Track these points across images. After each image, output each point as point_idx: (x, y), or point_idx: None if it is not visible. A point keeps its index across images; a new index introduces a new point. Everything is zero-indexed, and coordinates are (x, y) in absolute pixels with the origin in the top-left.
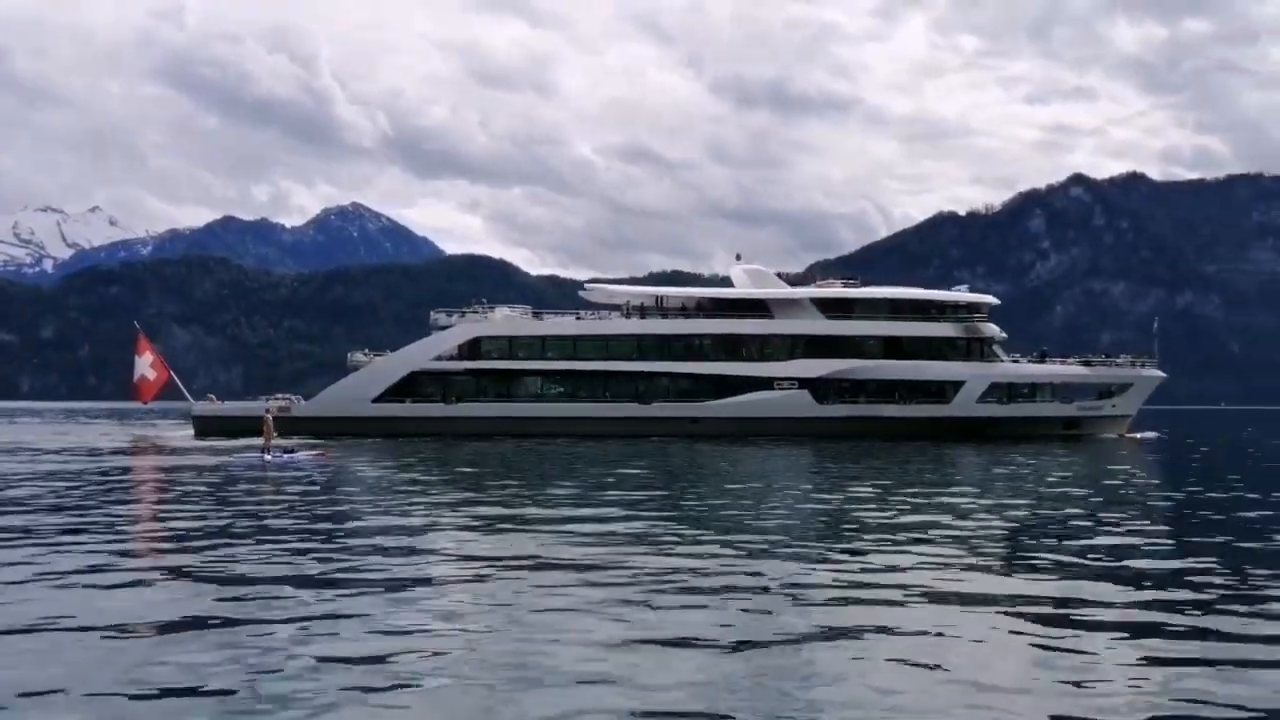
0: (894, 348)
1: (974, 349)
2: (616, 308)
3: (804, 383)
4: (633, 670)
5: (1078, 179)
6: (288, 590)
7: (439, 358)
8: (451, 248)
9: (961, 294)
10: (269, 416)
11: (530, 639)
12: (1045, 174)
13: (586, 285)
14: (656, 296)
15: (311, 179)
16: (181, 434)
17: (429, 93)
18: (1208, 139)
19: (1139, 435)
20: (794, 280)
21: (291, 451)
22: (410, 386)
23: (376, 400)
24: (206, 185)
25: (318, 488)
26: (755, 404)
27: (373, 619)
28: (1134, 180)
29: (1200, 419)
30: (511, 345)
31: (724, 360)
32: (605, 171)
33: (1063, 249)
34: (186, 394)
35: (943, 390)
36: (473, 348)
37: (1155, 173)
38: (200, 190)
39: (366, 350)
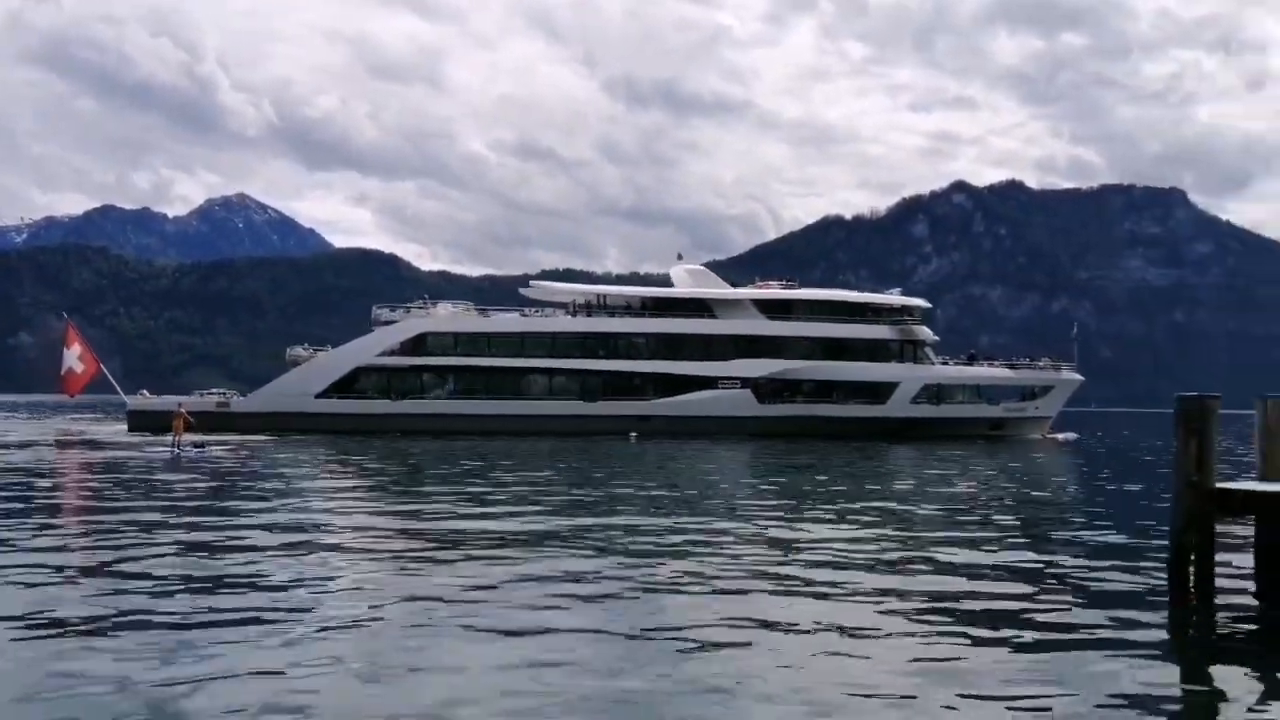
0: (832, 349)
1: (907, 351)
2: (556, 305)
3: (746, 382)
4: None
5: (959, 186)
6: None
7: (384, 353)
8: (340, 241)
9: (895, 297)
10: (182, 411)
11: (404, 645)
12: (928, 180)
13: (531, 284)
14: (599, 295)
15: (195, 168)
16: (113, 429)
17: (318, 83)
18: (1082, 150)
19: (1059, 436)
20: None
21: (202, 447)
22: (354, 382)
23: (320, 396)
24: (85, 172)
25: (221, 484)
26: (699, 403)
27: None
28: (1013, 188)
29: (1081, 421)
30: (457, 341)
31: (668, 359)
32: (497, 167)
33: (944, 254)
34: (117, 388)
35: (878, 391)
36: (418, 343)
37: (1033, 181)
38: (79, 177)
39: (306, 345)
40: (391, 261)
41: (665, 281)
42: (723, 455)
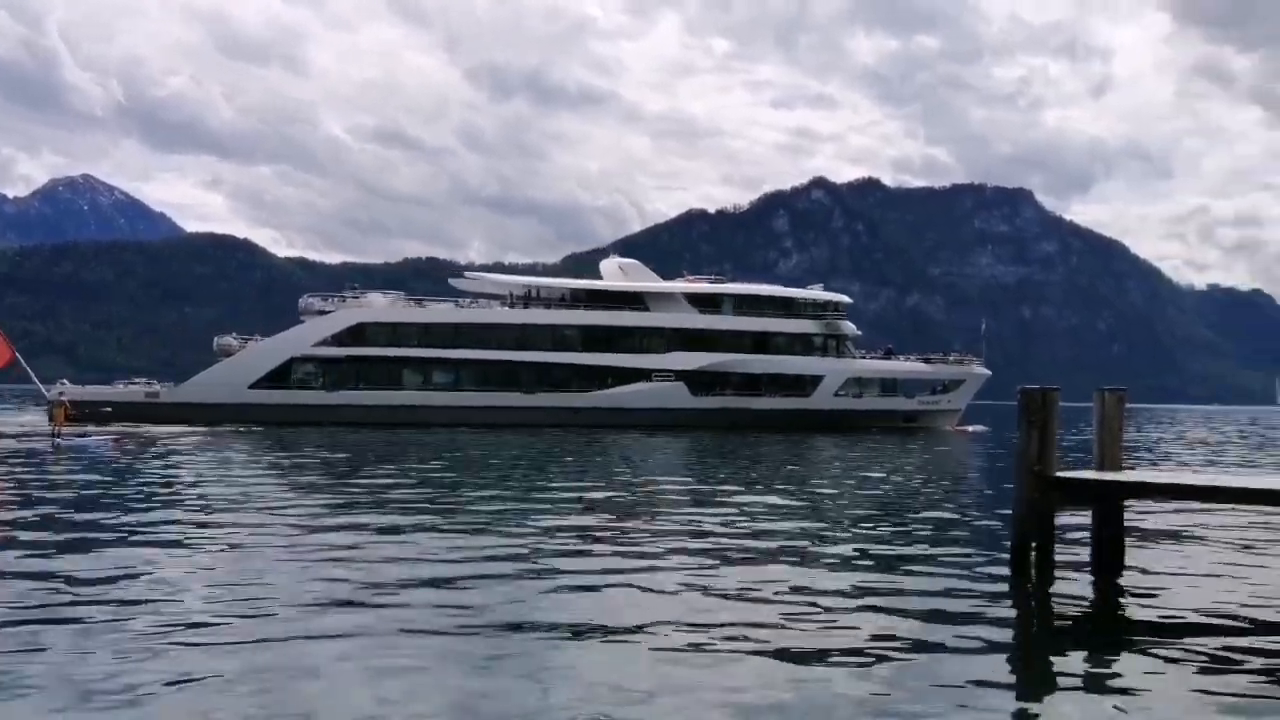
0: (762, 343)
1: (830, 345)
2: (492, 296)
3: (680, 375)
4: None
5: (819, 182)
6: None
7: (320, 343)
8: (192, 226)
9: (820, 293)
10: (65, 400)
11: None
12: (789, 176)
13: (466, 274)
14: (532, 287)
15: (37, 147)
16: (31, 419)
17: (170, 62)
18: (936, 150)
19: (968, 428)
20: (550, 270)
21: (84, 436)
22: (288, 373)
23: (254, 386)
24: None
25: (96, 477)
26: (634, 395)
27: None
28: (870, 186)
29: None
30: (395, 332)
31: (604, 352)
32: (357, 153)
33: (804, 249)
34: (33, 377)
35: (803, 384)
36: (355, 334)
37: (889, 179)
38: None
39: (235, 334)
40: (247, 247)
41: (530, 271)
42: (649, 447)
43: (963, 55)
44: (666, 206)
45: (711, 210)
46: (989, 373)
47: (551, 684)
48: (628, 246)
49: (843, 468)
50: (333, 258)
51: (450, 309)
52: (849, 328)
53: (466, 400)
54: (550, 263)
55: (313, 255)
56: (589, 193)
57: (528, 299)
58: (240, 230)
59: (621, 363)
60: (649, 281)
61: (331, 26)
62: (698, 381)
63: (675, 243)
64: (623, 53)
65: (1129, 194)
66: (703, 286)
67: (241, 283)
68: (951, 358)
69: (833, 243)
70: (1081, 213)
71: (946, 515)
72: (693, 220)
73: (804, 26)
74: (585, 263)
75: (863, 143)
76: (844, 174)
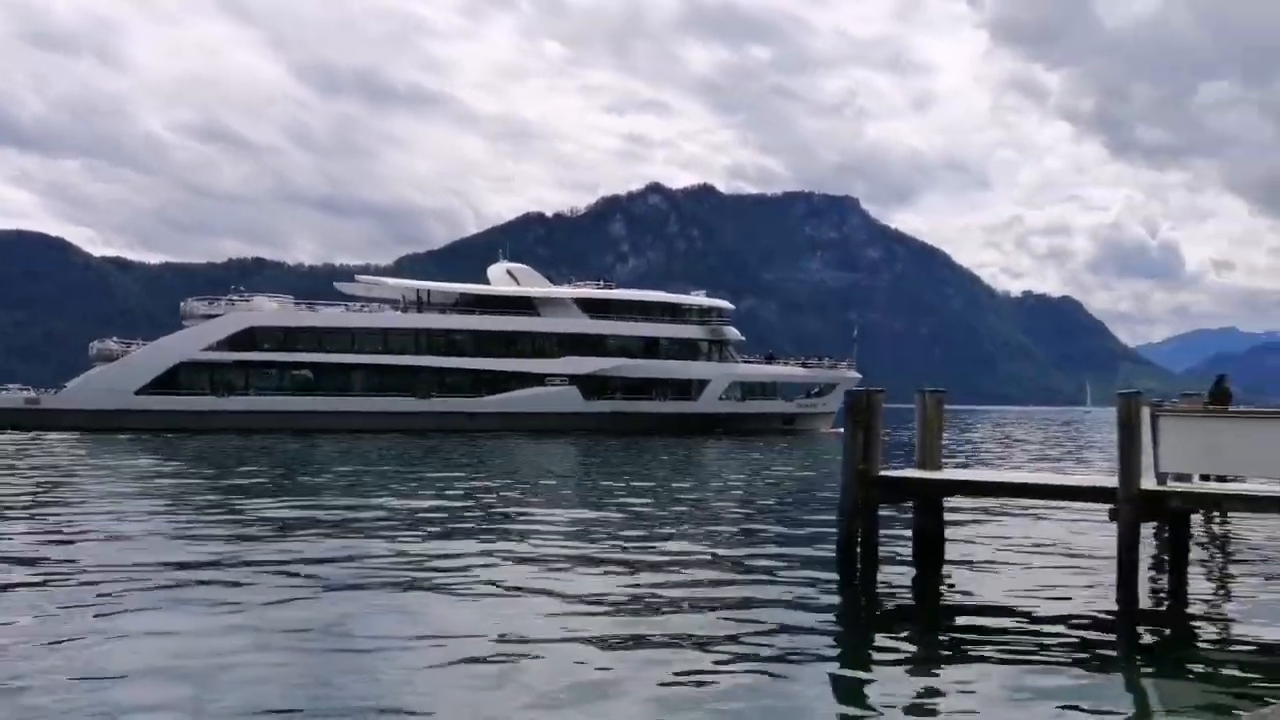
0: (650, 348)
1: (714, 350)
2: (383, 301)
3: (573, 379)
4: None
5: (655, 188)
6: None
7: (209, 348)
8: None
9: (704, 299)
10: None
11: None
12: (624, 181)
13: (358, 278)
14: (424, 291)
15: None
16: None
17: None
18: (767, 158)
19: (840, 429)
20: (383, 271)
21: None
22: (176, 378)
23: (140, 392)
24: None
25: None
26: (528, 400)
27: None
28: (705, 192)
29: None
30: (287, 337)
31: (499, 356)
32: (178, 150)
33: (641, 253)
34: None
35: (690, 388)
36: (245, 339)
37: (722, 186)
38: None
39: (115, 338)
40: (59, 245)
41: (364, 273)
42: (521, 450)
43: (792, 66)
44: (502, 209)
45: (548, 214)
46: (860, 376)
47: (356, 685)
48: (463, 249)
49: (709, 469)
50: (152, 257)
51: (343, 314)
52: (733, 333)
53: (360, 406)
54: (383, 264)
55: (130, 254)
56: (422, 194)
57: (420, 304)
58: (51, 228)
59: (515, 367)
60: (539, 287)
61: (150, 18)
62: (589, 386)
63: (512, 245)
64: (456, 53)
65: (949, 204)
66: (592, 292)
67: (54, 283)
68: (826, 362)
69: (669, 247)
70: (904, 221)
71: (791, 514)
72: (529, 223)
73: (638, 33)
74: (420, 264)
75: (696, 150)
76: (679, 180)
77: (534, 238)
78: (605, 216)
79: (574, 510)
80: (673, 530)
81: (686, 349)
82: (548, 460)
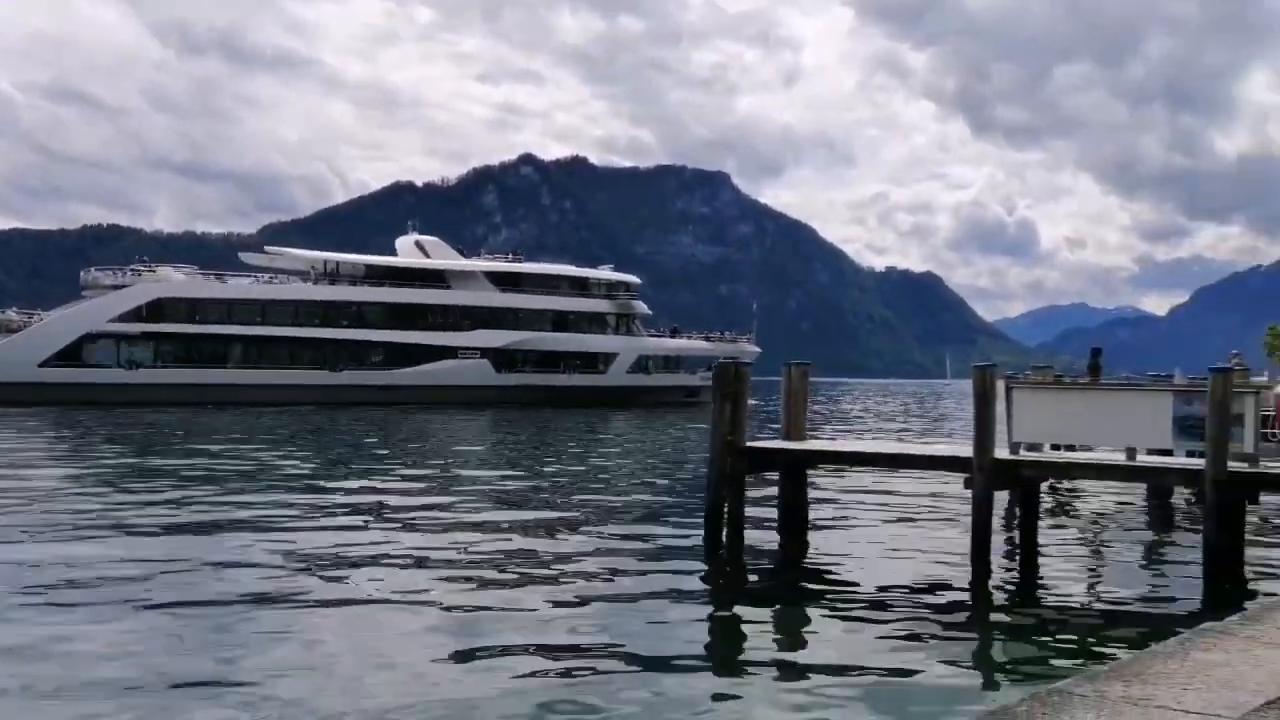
0: (560, 321)
1: (622, 324)
2: (291, 272)
3: (485, 352)
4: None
5: (528, 159)
6: None
7: (116, 319)
8: None
9: (612, 274)
10: None
11: None
12: (497, 151)
13: (267, 249)
14: (332, 262)
15: None
16: None
17: None
18: (639, 130)
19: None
20: (247, 240)
21: None
22: (82, 350)
23: (44, 365)
24: None
25: None
26: (441, 372)
27: None
28: (577, 164)
29: None
30: (196, 308)
31: (410, 329)
32: (28, 111)
33: (513, 224)
34: None
35: (598, 361)
36: (153, 310)
37: (595, 158)
38: None
39: (16, 308)
40: None
41: (225, 241)
42: (418, 423)
43: (664, 39)
44: (371, 178)
45: (419, 183)
46: (759, 350)
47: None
48: (332, 217)
49: (606, 441)
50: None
51: (255, 285)
52: (640, 307)
53: (271, 379)
54: (247, 233)
55: None
56: (288, 161)
57: (333, 275)
58: None
59: (428, 340)
60: (450, 259)
61: None
62: (500, 359)
63: (382, 215)
64: (322, 16)
65: (817, 179)
66: (502, 265)
67: None
68: (728, 336)
69: (541, 219)
70: (774, 196)
71: (672, 484)
72: (400, 193)
73: (510, 2)
74: (284, 233)
75: (569, 121)
76: (552, 151)
77: (404, 207)
78: (477, 187)
79: (458, 482)
80: (553, 501)
81: (595, 323)
82: (451, 432)
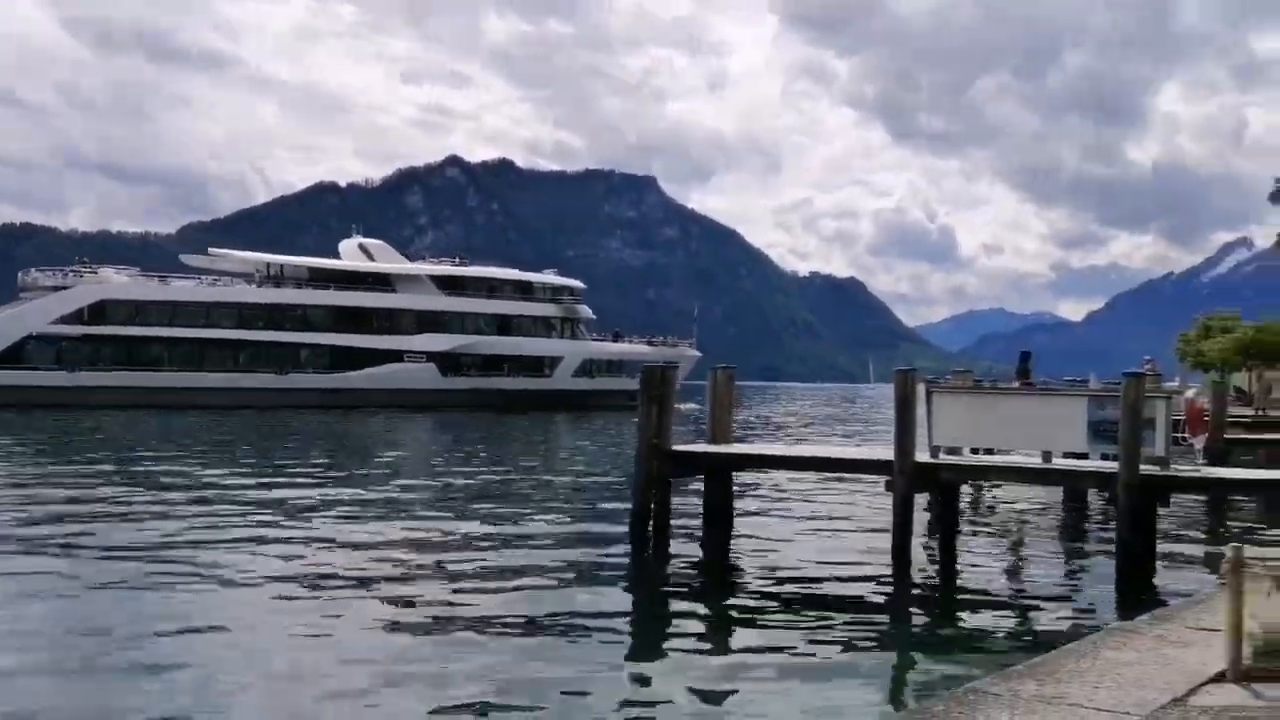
0: (505, 325)
1: (566, 328)
2: (234, 274)
3: (431, 356)
4: None
5: (454, 160)
6: None
7: (56, 321)
8: None
9: (557, 278)
10: None
11: None
12: (423, 153)
13: (210, 251)
14: (276, 265)
15: None
16: None
17: None
18: (567, 134)
19: (681, 406)
20: (166, 240)
21: None
22: (22, 352)
23: None
24: None
25: None
26: (386, 376)
27: None
28: (504, 166)
29: None
30: (140, 310)
31: (356, 333)
32: None
33: (439, 226)
34: None
35: (543, 365)
36: (95, 312)
37: (522, 161)
38: None
39: None
40: None
41: (143, 241)
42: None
43: (593, 43)
44: (295, 179)
45: (343, 184)
46: (700, 354)
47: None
48: (252, 218)
49: (545, 445)
50: None
51: (200, 287)
52: (585, 311)
53: (216, 382)
54: (166, 233)
55: None
56: (211, 160)
57: (277, 278)
58: None
59: (373, 344)
60: (394, 263)
61: None
62: (446, 363)
63: (304, 216)
64: (248, 15)
65: (743, 184)
66: (448, 269)
67: None
68: (669, 340)
69: (468, 222)
70: (700, 201)
71: (604, 488)
72: (323, 193)
73: (438, 4)
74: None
75: (496, 123)
76: (478, 153)
77: (328, 208)
78: (402, 188)
79: (395, 487)
80: (485, 505)
81: (540, 326)
82: (393, 436)
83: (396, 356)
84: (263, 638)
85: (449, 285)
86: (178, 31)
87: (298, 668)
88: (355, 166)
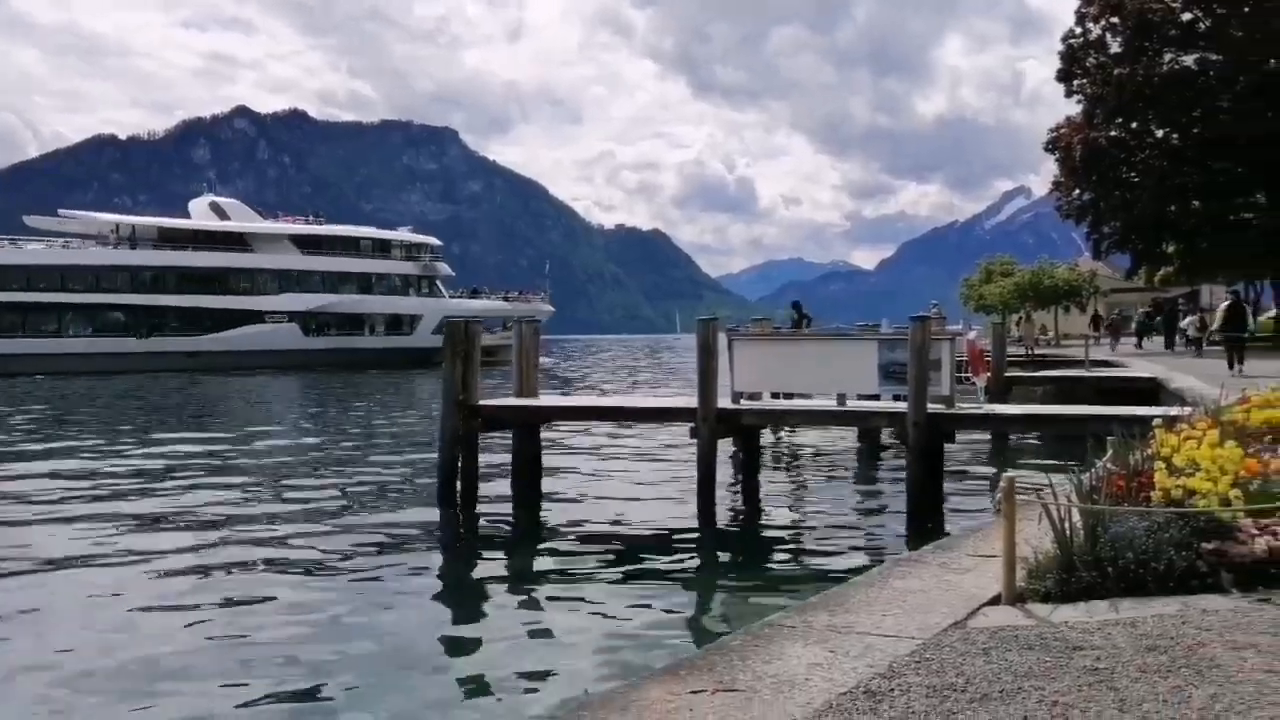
0: (365, 284)
1: (424, 285)
2: (83, 236)
3: (292, 316)
4: None
5: (242, 111)
6: None
7: None
8: None
9: (414, 235)
10: None
11: None
12: (209, 104)
13: (60, 212)
14: (127, 225)
15: None
16: None
17: None
18: (360, 84)
19: (545, 359)
20: None
21: None
22: None
23: None
24: None
25: None
26: (248, 337)
27: None
28: (296, 117)
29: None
30: None
31: (215, 294)
32: None
33: (228, 180)
34: None
35: (403, 323)
36: None
37: (315, 111)
38: None
39: None
40: None
41: None
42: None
43: None
44: (68, 130)
45: (122, 136)
46: (553, 309)
47: None
48: (25, 171)
49: (388, 403)
50: None
51: (51, 250)
52: (444, 269)
53: (74, 347)
54: None
55: None
56: None
57: (131, 240)
58: None
59: (234, 305)
60: (250, 221)
61: None
62: (308, 322)
63: (82, 170)
64: None
65: (544, 136)
66: (305, 228)
67: None
68: (524, 295)
69: (259, 175)
70: (502, 153)
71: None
72: (102, 146)
73: None
74: None
75: (285, 72)
76: (267, 104)
77: (108, 162)
78: (187, 140)
79: (221, 452)
80: (305, 462)
81: (399, 284)
82: (243, 399)
83: (258, 317)
84: (56, 615)
85: (307, 244)
86: None
87: (86, 647)
88: (133, 117)
